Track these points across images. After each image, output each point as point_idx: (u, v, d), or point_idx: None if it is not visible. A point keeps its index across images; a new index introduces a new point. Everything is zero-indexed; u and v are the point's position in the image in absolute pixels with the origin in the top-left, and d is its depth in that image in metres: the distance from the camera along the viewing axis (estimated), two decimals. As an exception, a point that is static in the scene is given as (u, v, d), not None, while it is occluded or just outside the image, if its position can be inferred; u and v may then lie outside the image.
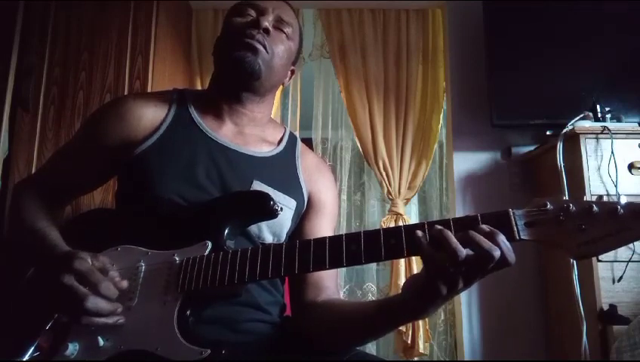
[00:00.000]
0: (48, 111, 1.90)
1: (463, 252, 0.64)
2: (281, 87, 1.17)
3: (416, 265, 2.21)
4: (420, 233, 0.68)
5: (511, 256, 0.64)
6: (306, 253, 0.74)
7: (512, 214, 0.67)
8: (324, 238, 0.75)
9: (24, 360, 0.79)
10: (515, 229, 0.66)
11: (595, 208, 0.63)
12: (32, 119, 1.88)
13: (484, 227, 0.66)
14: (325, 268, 0.73)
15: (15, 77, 1.83)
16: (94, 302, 0.76)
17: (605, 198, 0.64)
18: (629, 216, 0.62)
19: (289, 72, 1.11)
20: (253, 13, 1.00)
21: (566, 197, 0.66)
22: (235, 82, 1.00)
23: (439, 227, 0.67)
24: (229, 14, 1.04)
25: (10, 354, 0.80)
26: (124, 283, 0.82)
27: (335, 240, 0.74)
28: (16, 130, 1.85)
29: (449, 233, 0.66)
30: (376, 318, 0.81)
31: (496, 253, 0.63)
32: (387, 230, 0.71)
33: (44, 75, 1.92)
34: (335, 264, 0.73)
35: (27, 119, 1.87)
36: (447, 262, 0.64)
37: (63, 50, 1.95)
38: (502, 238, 0.64)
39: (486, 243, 0.63)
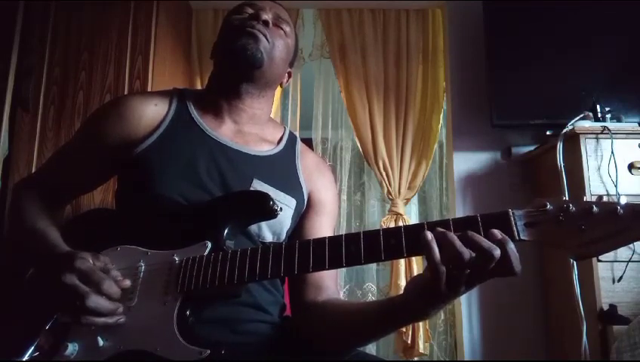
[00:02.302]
0: (48, 111, 1.90)
1: (467, 253, 0.63)
2: (279, 88, 1.17)
3: (417, 265, 2.21)
4: (429, 235, 0.67)
5: (517, 266, 0.63)
6: (305, 253, 0.74)
7: (511, 214, 0.66)
8: (323, 238, 0.75)
9: (24, 360, 0.79)
10: (515, 230, 0.66)
11: (595, 208, 0.63)
12: (32, 119, 1.88)
13: (497, 233, 0.65)
14: (325, 269, 0.73)
15: (15, 77, 1.83)
16: (95, 301, 0.76)
17: (605, 198, 0.64)
18: (629, 217, 0.61)
19: (287, 74, 1.11)
20: (250, 10, 1.02)
21: (566, 198, 0.66)
22: (236, 72, 1.01)
23: (441, 230, 0.66)
24: (227, 15, 1.06)
25: (10, 353, 0.80)
26: (127, 282, 0.82)
27: (335, 240, 0.74)
28: (16, 130, 1.85)
29: (453, 235, 0.65)
30: (378, 319, 0.81)
31: (496, 253, 0.62)
32: (387, 230, 0.71)
33: (44, 75, 1.92)
34: (335, 264, 0.73)
35: (27, 119, 1.87)
36: (451, 264, 0.64)
37: (63, 50, 1.95)
38: (511, 247, 0.63)
39: (485, 242, 0.63)
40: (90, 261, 0.79)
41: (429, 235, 0.67)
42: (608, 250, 0.62)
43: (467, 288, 0.67)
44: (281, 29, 1.04)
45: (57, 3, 1.96)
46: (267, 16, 1.00)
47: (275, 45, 1.01)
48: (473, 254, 0.63)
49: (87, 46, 1.96)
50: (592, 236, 0.62)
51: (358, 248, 0.71)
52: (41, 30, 1.93)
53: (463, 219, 0.68)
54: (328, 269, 0.74)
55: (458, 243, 0.64)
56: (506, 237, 0.64)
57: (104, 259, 0.82)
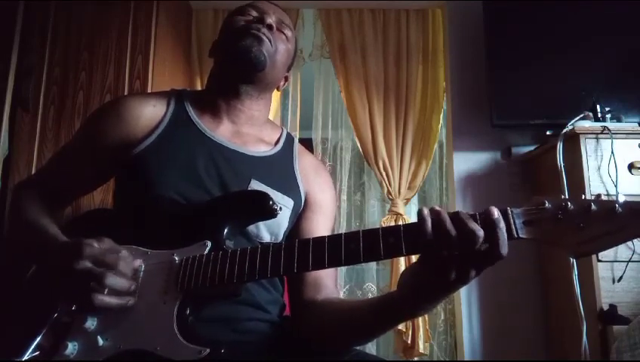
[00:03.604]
0: (48, 111, 1.90)
1: (454, 232, 0.64)
2: (277, 90, 1.18)
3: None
4: (425, 211, 0.67)
5: (504, 249, 0.63)
6: (305, 252, 0.74)
7: (510, 212, 0.66)
8: (323, 237, 0.75)
9: (24, 359, 0.79)
10: (514, 228, 0.66)
11: (593, 206, 0.63)
12: (32, 119, 1.88)
13: (494, 211, 0.64)
14: (324, 267, 0.73)
15: (15, 77, 1.83)
16: (112, 278, 0.77)
17: (604, 197, 0.64)
18: (628, 215, 0.62)
19: (284, 78, 1.12)
20: (254, 13, 1.03)
21: (564, 196, 0.66)
22: (238, 73, 1.01)
23: (437, 208, 0.67)
24: (229, 15, 1.06)
25: (10, 353, 0.80)
26: (138, 262, 0.83)
27: (334, 239, 0.74)
28: (16, 130, 1.85)
29: (446, 215, 0.65)
30: (375, 316, 0.81)
31: (480, 233, 0.62)
32: (386, 229, 0.71)
33: (44, 75, 1.92)
34: (334, 263, 0.73)
35: (27, 119, 1.87)
36: (440, 242, 0.64)
37: (63, 50, 1.95)
38: (501, 226, 0.64)
39: (471, 223, 0.63)
40: (97, 245, 0.80)
41: (425, 211, 0.67)
42: (607, 247, 0.63)
43: (460, 277, 0.66)
44: (284, 33, 1.05)
45: (57, 3, 1.96)
46: (271, 20, 1.01)
47: (277, 49, 1.02)
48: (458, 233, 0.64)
49: (87, 46, 1.96)
50: (591, 234, 0.63)
51: (357, 246, 0.71)
52: (41, 30, 1.93)
53: None
54: (328, 268, 0.74)
55: (449, 222, 0.64)
56: (500, 218, 0.64)
57: (109, 241, 0.83)
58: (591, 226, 0.63)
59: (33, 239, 0.92)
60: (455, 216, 0.65)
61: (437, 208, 0.67)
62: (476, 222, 0.65)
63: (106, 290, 0.76)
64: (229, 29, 1.03)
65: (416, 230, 0.67)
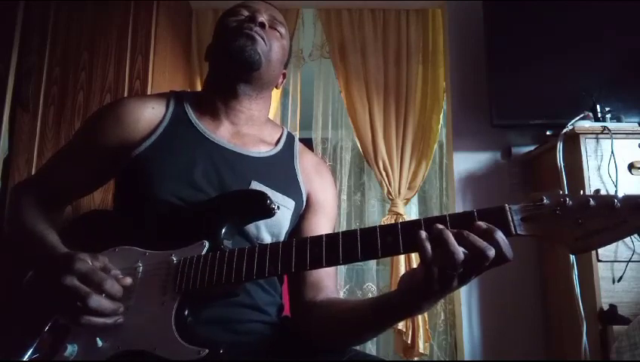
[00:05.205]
0: (48, 111, 1.90)
1: (461, 254, 0.63)
2: (275, 89, 1.17)
3: (416, 264, 2.20)
4: (423, 234, 0.66)
5: (509, 252, 0.63)
6: (302, 251, 0.74)
7: (508, 209, 0.66)
8: (320, 236, 0.75)
9: (23, 360, 0.79)
10: (512, 224, 0.65)
11: (591, 202, 0.63)
12: (32, 119, 1.88)
13: (481, 224, 0.65)
14: (322, 266, 0.73)
15: (15, 77, 1.83)
16: (97, 301, 0.76)
17: (603, 192, 0.64)
18: (626, 210, 0.61)
19: (281, 75, 1.12)
20: (246, 12, 1.03)
21: (563, 192, 0.65)
22: (234, 73, 1.01)
23: (440, 226, 0.66)
24: (221, 17, 1.06)
25: (9, 354, 0.80)
26: (128, 280, 0.82)
27: (332, 237, 0.74)
28: (16, 130, 1.85)
29: (449, 234, 0.64)
30: (375, 315, 0.81)
31: (490, 253, 0.62)
32: (383, 227, 0.71)
33: (44, 75, 1.91)
34: (332, 261, 0.72)
35: (27, 119, 1.87)
36: (445, 263, 0.64)
37: (63, 50, 1.95)
38: (499, 235, 0.63)
39: (481, 242, 0.63)
40: (90, 261, 0.79)
41: (423, 234, 0.66)
42: (606, 243, 0.62)
43: (460, 284, 0.67)
44: (277, 30, 1.05)
45: (57, 3, 1.96)
46: (263, 18, 1.01)
47: (272, 47, 1.01)
48: (467, 252, 0.63)
49: (87, 46, 1.96)
50: (590, 229, 0.62)
51: (355, 245, 0.71)
52: (41, 30, 1.93)
53: (460, 214, 0.68)
54: (326, 266, 0.73)
55: (453, 241, 0.63)
56: (492, 227, 0.64)
57: (103, 259, 0.82)
58: (589, 221, 0.63)
59: (31, 245, 0.92)
60: (461, 235, 0.64)
61: (439, 227, 0.66)
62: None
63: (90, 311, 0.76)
64: (222, 31, 1.03)
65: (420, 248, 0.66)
